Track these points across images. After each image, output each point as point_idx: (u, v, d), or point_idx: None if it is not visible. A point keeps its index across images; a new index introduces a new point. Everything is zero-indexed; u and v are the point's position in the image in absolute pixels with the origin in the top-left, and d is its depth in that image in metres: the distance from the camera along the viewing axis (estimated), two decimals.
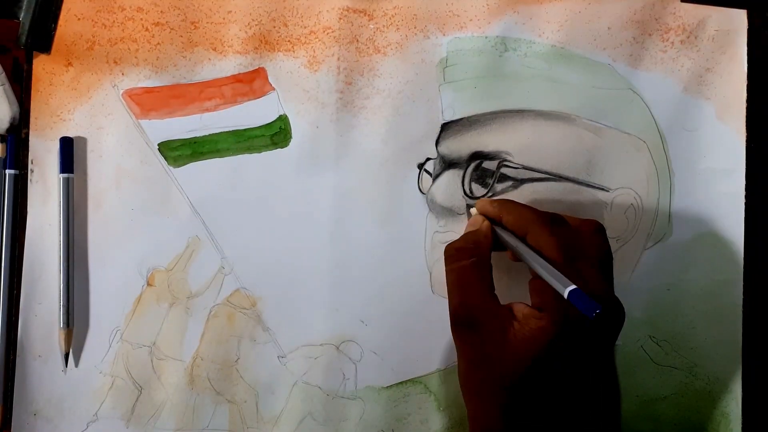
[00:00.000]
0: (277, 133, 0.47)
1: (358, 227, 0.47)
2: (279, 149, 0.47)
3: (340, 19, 0.47)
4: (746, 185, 0.49)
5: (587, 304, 0.35)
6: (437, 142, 0.47)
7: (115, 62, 0.46)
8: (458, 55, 0.47)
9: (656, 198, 0.49)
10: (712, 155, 0.49)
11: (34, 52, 0.46)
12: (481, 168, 0.47)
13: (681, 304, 0.49)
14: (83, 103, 0.46)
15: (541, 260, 0.39)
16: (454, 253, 0.41)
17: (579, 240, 0.40)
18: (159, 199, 0.47)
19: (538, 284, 0.39)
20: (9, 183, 0.46)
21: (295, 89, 0.47)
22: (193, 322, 0.47)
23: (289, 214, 0.47)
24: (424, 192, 0.47)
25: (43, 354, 0.46)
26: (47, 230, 0.46)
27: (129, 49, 0.46)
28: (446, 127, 0.47)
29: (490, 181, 0.47)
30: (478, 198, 0.47)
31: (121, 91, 0.46)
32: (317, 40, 0.47)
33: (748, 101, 0.49)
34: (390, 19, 0.47)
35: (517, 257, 0.42)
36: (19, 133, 0.46)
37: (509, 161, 0.47)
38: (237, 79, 0.47)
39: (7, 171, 0.46)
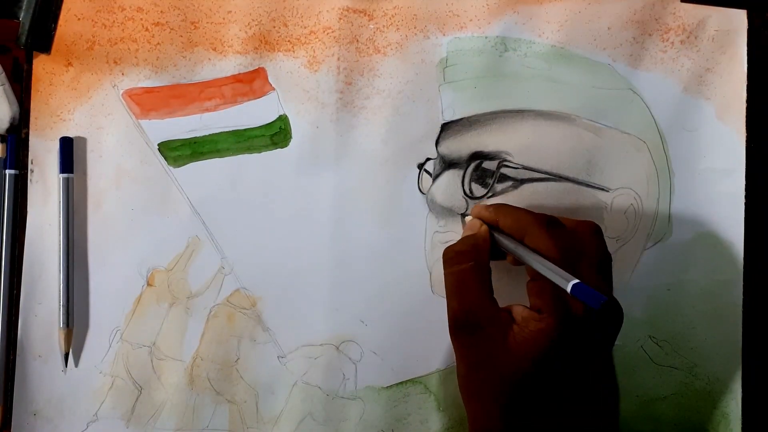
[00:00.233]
0: (277, 133, 0.47)
1: (358, 227, 0.47)
2: (279, 149, 0.47)
3: (340, 19, 0.47)
4: (746, 185, 0.49)
5: (592, 296, 0.34)
6: (437, 142, 0.47)
7: (115, 62, 0.46)
8: (458, 55, 0.47)
9: (656, 198, 0.48)
10: (712, 155, 0.49)
11: (34, 52, 0.46)
12: (481, 168, 0.47)
13: (681, 304, 0.49)
14: (83, 103, 0.46)
15: (542, 258, 0.38)
16: (453, 256, 0.41)
17: (577, 241, 0.40)
18: (159, 199, 0.47)
19: (537, 286, 0.39)
20: (9, 183, 0.46)
21: (295, 89, 0.47)
22: (193, 322, 0.47)
23: (289, 214, 0.47)
24: (424, 192, 0.47)
25: (43, 354, 0.46)
26: (47, 230, 0.46)
27: (129, 49, 0.46)
28: (446, 127, 0.47)
29: (490, 181, 0.47)
30: (478, 198, 0.47)
31: (121, 91, 0.46)
32: (317, 40, 0.47)
33: (748, 101, 0.49)
34: (390, 19, 0.47)
35: (516, 261, 0.42)
36: (19, 133, 0.46)
37: (509, 161, 0.47)
38: (237, 79, 0.47)
39: (7, 171, 0.46)
